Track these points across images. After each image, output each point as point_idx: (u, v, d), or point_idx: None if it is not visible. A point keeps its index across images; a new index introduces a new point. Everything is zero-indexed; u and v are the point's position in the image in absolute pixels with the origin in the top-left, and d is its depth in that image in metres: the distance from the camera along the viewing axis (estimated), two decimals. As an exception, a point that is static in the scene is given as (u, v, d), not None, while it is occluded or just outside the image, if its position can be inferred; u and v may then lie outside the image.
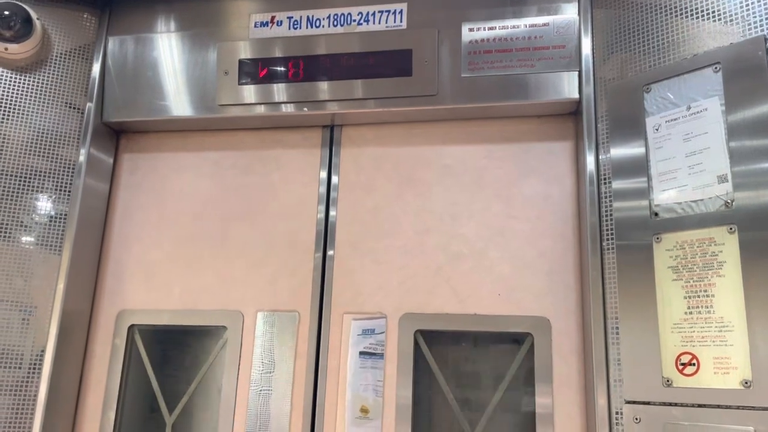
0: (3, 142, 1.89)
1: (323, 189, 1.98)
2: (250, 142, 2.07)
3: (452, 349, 1.91)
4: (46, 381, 1.81)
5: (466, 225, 1.86)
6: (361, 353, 1.82)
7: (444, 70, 1.84)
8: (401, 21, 1.89)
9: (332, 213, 1.95)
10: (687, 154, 1.51)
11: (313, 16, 1.95)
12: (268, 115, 1.97)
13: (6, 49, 1.89)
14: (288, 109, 1.94)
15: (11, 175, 1.89)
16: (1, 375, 1.78)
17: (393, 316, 1.83)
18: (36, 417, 1.78)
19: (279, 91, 1.94)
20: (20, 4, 1.90)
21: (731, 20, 1.49)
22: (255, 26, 1.98)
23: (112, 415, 1.91)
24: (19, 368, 1.80)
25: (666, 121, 1.56)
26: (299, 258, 1.93)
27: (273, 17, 1.97)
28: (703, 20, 1.54)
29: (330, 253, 1.92)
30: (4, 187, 1.88)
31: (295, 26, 1.96)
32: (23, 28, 1.89)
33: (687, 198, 1.49)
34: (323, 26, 1.94)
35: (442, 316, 1.81)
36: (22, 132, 1.92)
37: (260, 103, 1.95)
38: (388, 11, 1.90)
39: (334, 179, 1.98)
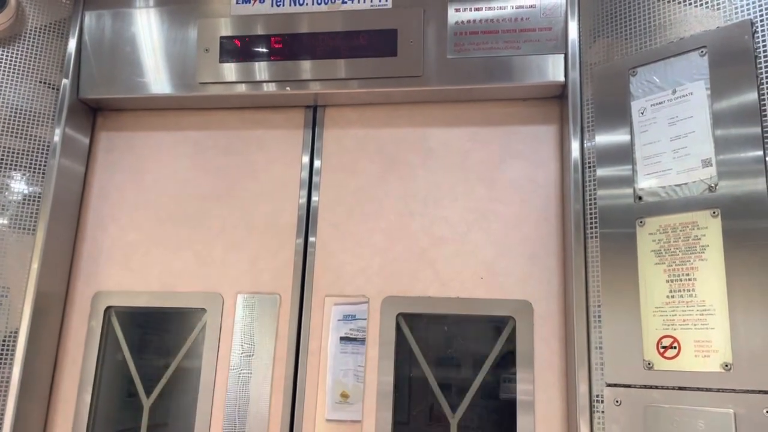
0: (-25, 119, 1.84)
1: (305, 170, 1.95)
2: (231, 121, 2.03)
3: (434, 333, 1.90)
4: (19, 363, 1.76)
5: (449, 208, 1.85)
6: (342, 338, 1.81)
7: (429, 51, 1.82)
8: (386, 0, 1.86)
9: (314, 196, 1.92)
10: (672, 138, 1.50)
11: (296, -6, 1.91)
12: (250, 94, 1.93)
13: (-23, 21, 1.83)
14: (270, 88, 1.90)
15: (-17, 153, 1.83)
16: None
17: (375, 299, 1.81)
18: (9, 400, 1.75)
19: (261, 69, 1.90)
20: (-8, -26, 1.83)
21: (718, 4, 1.48)
22: (237, 2, 1.93)
23: (87, 398, 1.88)
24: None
25: (651, 105, 1.55)
26: (280, 240, 1.90)
27: (255, -7, 1.93)
28: (690, 4, 1.53)
29: (312, 234, 1.89)
30: (-24, 165, 1.82)
31: (278, 3, 1.91)
32: (-5, 0, 1.83)
33: (671, 182, 1.48)
34: (307, 4, 1.90)
35: (424, 299, 1.80)
36: (-5, 109, 1.86)
37: (241, 82, 1.91)
38: (373, -10, 1.87)
39: (317, 161, 1.95)
